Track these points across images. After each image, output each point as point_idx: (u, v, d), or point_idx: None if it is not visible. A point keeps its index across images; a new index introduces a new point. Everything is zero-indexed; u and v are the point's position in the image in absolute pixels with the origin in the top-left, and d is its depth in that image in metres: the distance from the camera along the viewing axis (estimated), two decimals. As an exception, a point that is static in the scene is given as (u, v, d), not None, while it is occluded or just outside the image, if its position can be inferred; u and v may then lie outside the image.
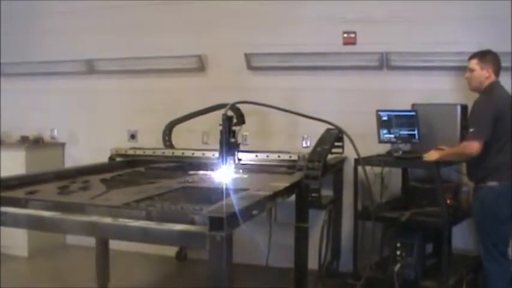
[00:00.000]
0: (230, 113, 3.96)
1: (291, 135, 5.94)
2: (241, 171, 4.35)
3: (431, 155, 4.62)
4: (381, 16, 5.63)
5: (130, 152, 5.16)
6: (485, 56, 4.44)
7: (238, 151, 4.21)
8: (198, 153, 4.97)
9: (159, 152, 5.12)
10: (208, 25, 6.23)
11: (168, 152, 5.13)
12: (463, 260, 4.87)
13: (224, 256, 2.38)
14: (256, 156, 4.68)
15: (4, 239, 5.80)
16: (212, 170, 4.07)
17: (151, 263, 5.72)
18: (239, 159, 4.26)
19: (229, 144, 3.88)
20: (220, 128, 3.88)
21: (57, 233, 5.83)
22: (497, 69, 4.46)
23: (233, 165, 4.00)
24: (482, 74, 4.42)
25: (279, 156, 4.72)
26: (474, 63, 4.46)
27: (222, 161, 3.79)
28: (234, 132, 4.01)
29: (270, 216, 3.74)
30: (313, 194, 3.83)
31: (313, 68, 5.91)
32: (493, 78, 4.42)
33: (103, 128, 6.68)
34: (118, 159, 5.14)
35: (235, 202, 2.70)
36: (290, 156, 4.69)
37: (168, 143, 5.42)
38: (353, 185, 5.04)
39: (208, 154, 4.83)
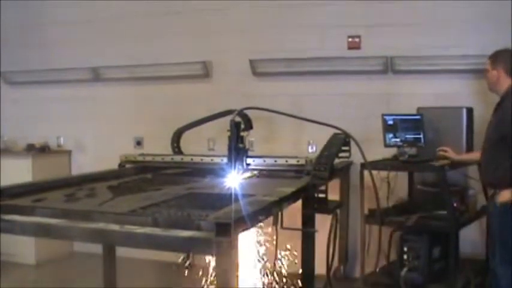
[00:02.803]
0: (238, 118, 3.97)
1: (297, 141, 5.94)
2: (254, 173, 4.38)
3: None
4: (385, 20, 5.64)
5: (140, 159, 5.16)
6: (497, 55, 4.35)
7: (247, 156, 4.21)
8: (206, 159, 4.97)
9: (168, 159, 5.13)
10: (213, 31, 6.25)
11: (177, 158, 5.14)
12: (471, 264, 4.85)
13: (231, 262, 2.38)
14: (264, 161, 4.68)
15: (11, 247, 5.82)
16: (222, 175, 4.06)
17: (158, 269, 5.72)
18: (247, 164, 4.26)
19: (237, 150, 3.88)
20: (229, 133, 3.88)
21: (64, 241, 5.84)
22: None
23: (244, 170, 4.01)
24: (493, 74, 4.31)
25: (286, 161, 4.72)
26: (487, 64, 4.38)
27: (231, 166, 3.79)
28: (242, 137, 4.01)
29: (276, 221, 3.73)
30: (320, 195, 3.83)
31: (318, 73, 5.92)
32: (504, 78, 4.26)
33: (109, 135, 6.70)
34: (127, 165, 5.14)
35: (242, 208, 2.69)
36: (298, 161, 4.69)
37: (176, 149, 5.42)
38: (359, 190, 5.04)
39: (217, 160, 4.83)
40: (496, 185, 4.15)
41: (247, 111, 4.62)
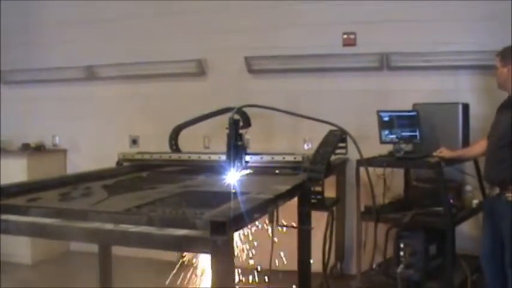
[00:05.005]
0: (236, 116, 3.96)
1: (293, 138, 5.94)
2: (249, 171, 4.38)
3: None
4: (381, 16, 5.64)
5: (138, 157, 5.15)
6: (506, 52, 4.25)
7: (246, 154, 4.21)
8: (204, 157, 4.96)
9: (165, 156, 5.12)
10: (208, 29, 6.24)
11: (175, 156, 5.12)
12: (467, 260, 4.85)
13: (226, 260, 2.38)
14: (262, 158, 4.68)
15: (7, 247, 5.81)
16: (218, 173, 4.05)
17: (154, 268, 5.71)
18: (246, 162, 4.25)
19: (236, 148, 3.88)
20: (227, 131, 3.88)
21: (59, 240, 5.84)
22: None
23: (243, 168, 4.00)
24: (503, 71, 4.23)
25: (283, 158, 4.71)
26: (497, 61, 4.29)
27: (230, 164, 3.78)
28: (240, 135, 4.00)
29: (272, 218, 3.73)
30: (317, 196, 3.82)
31: (313, 70, 5.92)
32: None
33: (104, 134, 6.70)
34: (125, 163, 5.13)
35: (237, 206, 2.68)
36: (295, 158, 4.68)
37: (174, 146, 5.41)
38: (355, 186, 5.03)
39: (215, 157, 4.81)
40: (502, 184, 4.15)
41: (245, 109, 4.62)
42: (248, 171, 4.32)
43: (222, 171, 3.86)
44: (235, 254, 2.74)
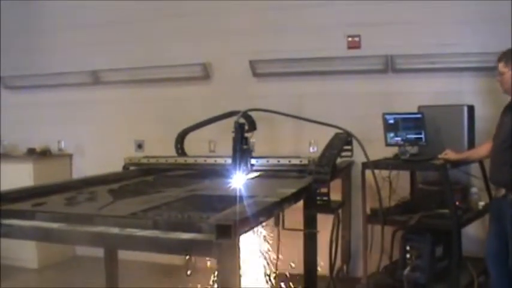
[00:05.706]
0: (242, 120, 3.97)
1: (298, 141, 5.93)
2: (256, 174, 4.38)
3: None
4: (385, 19, 5.62)
5: (144, 161, 5.16)
6: (509, 55, 4.18)
7: (251, 157, 4.21)
8: (210, 160, 4.96)
9: (171, 160, 5.12)
10: (212, 33, 6.24)
11: (181, 160, 5.13)
12: (474, 262, 4.83)
13: (232, 264, 2.37)
14: (268, 161, 4.68)
15: (14, 251, 5.82)
16: (223, 177, 4.05)
17: (160, 272, 5.71)
18: (252, 165, 4.25)
19: (242, 151, 3.88)
20: (233, 135, 3.88)
21: (65, 245, 5.84)
22: None
23: (248, 171, 4.00)
24: (510, 75, 4.16)
25: (289, 161, 4.71)
26: (502, 66, 4.20)
27: (236, 168, 3.78)
28: (246, 139, 4.01)
29: (278, 222, 3.73)
30: (323, 198, 3.82)
31: (318, 73, 5.91)
32: None
33: (110, 138, 6.70)
34: (131, 168, 5.14)
35: (242, 209, 2.68)
36: (300, 161, 4.68)
37: (180, 150, 5.42)
38: (361, 189, 5.02)
39: (220, 161, 4.81)
40: (507, 185, 4.13)
41: (250, 113, 4.63)
42: (257, 174, 4.33)
43: (228, 175, 3.86)
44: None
